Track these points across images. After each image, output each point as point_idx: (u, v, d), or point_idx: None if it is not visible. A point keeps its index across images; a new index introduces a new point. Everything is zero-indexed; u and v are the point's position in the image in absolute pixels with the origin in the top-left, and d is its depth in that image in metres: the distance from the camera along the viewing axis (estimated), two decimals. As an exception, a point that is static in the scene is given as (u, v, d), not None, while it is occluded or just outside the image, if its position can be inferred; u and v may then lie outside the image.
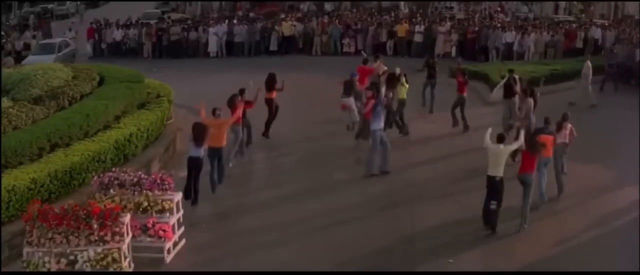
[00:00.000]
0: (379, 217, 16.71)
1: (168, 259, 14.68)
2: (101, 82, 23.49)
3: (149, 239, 14.67)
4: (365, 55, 27.58)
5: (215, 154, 18.36)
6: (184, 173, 17.99)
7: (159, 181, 15.53)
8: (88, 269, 13.26)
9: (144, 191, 15.19)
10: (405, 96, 23.03)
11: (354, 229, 16.02)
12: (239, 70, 23.85)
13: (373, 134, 19.30)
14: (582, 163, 19.33)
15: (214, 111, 18.70)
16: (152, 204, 14.95)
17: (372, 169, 19.43)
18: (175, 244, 15.21)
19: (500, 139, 15.31)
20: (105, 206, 13.81)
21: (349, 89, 23.09)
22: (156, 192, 15.34)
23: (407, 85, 23.03)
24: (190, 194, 17.63)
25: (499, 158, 14.99)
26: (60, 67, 23.41)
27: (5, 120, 18.02)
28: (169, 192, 15.54)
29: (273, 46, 40.80)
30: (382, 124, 19.45)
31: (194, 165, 17.55)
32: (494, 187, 15.05)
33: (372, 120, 19.27)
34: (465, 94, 22.94)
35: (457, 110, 23.30)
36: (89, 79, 23.05)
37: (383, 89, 20.27)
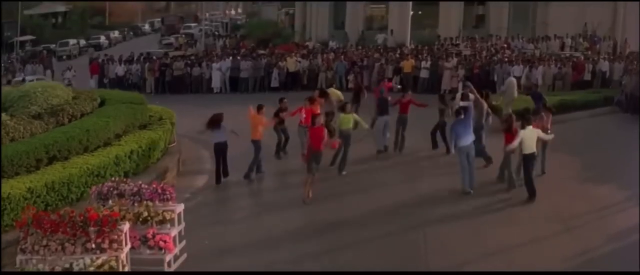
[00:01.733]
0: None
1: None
2: (102, 104, 22.96)
3: (148, 251, 13.93)
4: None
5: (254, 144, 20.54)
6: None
7: (159, 191, 14.87)
8: (84, 277, 12.54)
9: (144, 201, 14.54)
10: None
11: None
12: (242, 105, 23.51)
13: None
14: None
15: (258, 108, 20.87)
16: (152, 214, 14.31)
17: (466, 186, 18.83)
18: (176, 258, 14.51)
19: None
20: (103, 213, 13.16)
21: (385, 106, 23.00)
22: (157, 202, 14.69)
23: None
24: (220, 178, 20.56)
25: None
26: (60, 87, 22.93)
27: (3, 132, 17.54)
28: (170, 202, 14.90)
29: (274, 82, 40.29)
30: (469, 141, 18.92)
31: (218, 149, 20.39)
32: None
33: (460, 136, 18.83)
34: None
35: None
36: (89, 99, 22.57)
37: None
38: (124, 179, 15.49)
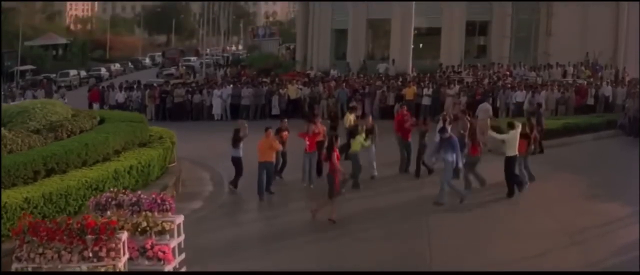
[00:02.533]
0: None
1: (168, 281, 13.60)
2: (102, 123, 22.73)
3: (147, 262, 13.54)
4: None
5: (262, 166, 20.87)
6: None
7: (159, 201, 14.52)
8: (80, 286, 12.19)
9: (143, 212, 14.21)
10: None
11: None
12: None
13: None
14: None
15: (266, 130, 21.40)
16: (151, 225, 13.94)
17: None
18: (175, 270, 14.14)
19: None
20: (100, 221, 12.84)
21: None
22: (156, 213, 14.35)
23: None
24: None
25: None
26: (60, 104, 22.81)
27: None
28: (169, 213, 14.56)
29: (275, 110, 40.04)
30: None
31: (235, 163, 21.76)
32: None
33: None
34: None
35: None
36: (89, 117, 22.43)
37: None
38: (123, 190, 15.18)
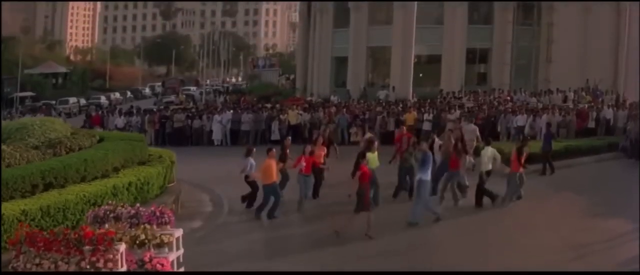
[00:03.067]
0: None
1: (166, 298, 13.33)
2: (101, 142, 22.57)
3: (145, 275, 13.32)
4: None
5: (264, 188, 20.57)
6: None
7: (158, 214, 14.35)
8: (77, 297, 11.96)
9: (142, 225, 14.01)
10: None
11: None
12: (242, 155, 23.54)
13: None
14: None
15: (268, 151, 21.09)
16: (149, 237, 13.74)
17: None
18: (174, 272, 13.93)
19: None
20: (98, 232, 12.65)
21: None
22: (155, 226, 14.16)
23: None
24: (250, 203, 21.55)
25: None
26: (59, 122, 22.71)
27: (-1, 158, 17.13)
28: (168, 227, 14.37)
29: (275, 135, 39.84)
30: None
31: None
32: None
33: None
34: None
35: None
36: (88, 136, 22.25)
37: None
38: (121, 204, 15.00)
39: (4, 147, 18.42)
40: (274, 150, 21.30)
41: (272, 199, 20.43)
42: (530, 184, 22.46)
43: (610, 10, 54.37)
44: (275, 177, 20.68)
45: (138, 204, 14.79)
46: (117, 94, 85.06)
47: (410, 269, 15.16)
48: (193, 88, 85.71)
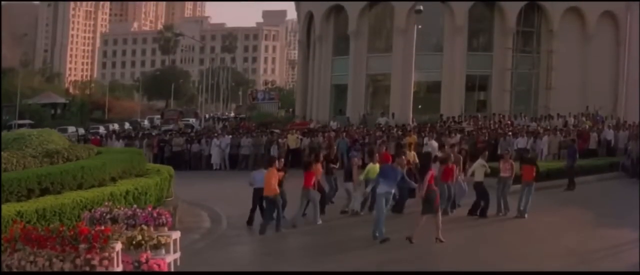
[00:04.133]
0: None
1: (162, 300, 13.02)
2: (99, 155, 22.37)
3: (141, 276, 13.03)
4: None
5: (265, 200, 20.29)
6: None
7: (155, 215, 14.13)
8: (72, 294, 11.66)
9: (139, 226, 13.77)
10: None
11: None
12: (241, 179, 23.37)
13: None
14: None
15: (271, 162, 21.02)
16: (146, 238, 13.48)
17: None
18: (173, 272, 13.67)
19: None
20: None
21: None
22: (152, 228, 13.92)
23: None
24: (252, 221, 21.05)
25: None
26: (56, 134, 22.47)
27: (-6, 163, 16.91)
28: (166, 228, 14.13)
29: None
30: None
31: (255, 195, 21.03)
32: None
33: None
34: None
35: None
36: (86, 149, 22.06)
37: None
38: (118, 206, 14.79)
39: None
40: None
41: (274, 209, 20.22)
42: (539, 198, 22.46)
43: (610, 38, 54.72)
44: (275, 190, 20.18)
45: (135, 206, 14.59)
46: (116, 125, 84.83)
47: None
48: (192, 119, 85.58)
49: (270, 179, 20.11)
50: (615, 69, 54.32)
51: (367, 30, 57.07)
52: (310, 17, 62.53)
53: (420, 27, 49.40)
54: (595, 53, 53.51)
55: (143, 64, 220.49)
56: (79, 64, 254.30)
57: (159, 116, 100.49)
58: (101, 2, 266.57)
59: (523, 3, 53.20)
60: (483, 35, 56.86)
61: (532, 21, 54.74)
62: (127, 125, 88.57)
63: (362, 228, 19.86)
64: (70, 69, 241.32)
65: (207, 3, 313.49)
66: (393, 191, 19.38)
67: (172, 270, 13.82)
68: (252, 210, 21.19)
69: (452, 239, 17.98)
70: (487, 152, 23.56)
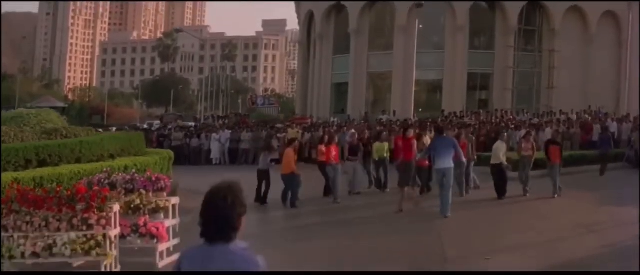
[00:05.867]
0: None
1: (161, 264, 12.67)
2: (97, 137, 22.14)
3: (139, 241, 12.70)
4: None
5: (283, 178, 20.87)
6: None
7: (154, 179, 13.85)
8: (67, 253, 11.35)
9: (137, 191, 13.49)
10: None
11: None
12: (241, 173, 23.12)
13: None
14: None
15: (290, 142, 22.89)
16: (144, 203, 13.21)
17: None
18: (169, 253, 13.29)
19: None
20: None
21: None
22: (150, 194, 13.65)
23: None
24: (259, 199, 21.21)
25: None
26: (56, 114, 22.26)
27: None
28: (164, 193, 13.85)
29: (275, 154, 38.97)
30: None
31: (260, 175, 21.57)
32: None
33: None
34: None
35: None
36: (86, 130, 21.80)
37: None
38: (117, 172, 14.51)
39: (-2, 127, 18.04)
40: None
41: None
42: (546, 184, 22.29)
43: (612, 38, 54.54)
44: (294, 167, 20.93)
45: (133, 171, 14.30)
46: (114, 129, 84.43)
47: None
48: (191, 123, 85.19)
49: (288, 159, 20.99)
50: (617, 69, 54.05)
51: (368, 29, 56.85)
52: (310, 16, 62.31)
53: (421, 27, 49.25)
54: (597, 52, 53.32)
55: (142, 73, 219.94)
56: (78, 72, 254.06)
57: (158, 121, 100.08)
58: (100, 11, 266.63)
59: (524, 2, 52.93)
60: (484, 34, 56.72)
61: (534, 20, 54.62)
62: (127, 129, 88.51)
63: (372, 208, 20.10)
64: (69, 77, 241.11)
65: (207, 12, 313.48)
66: (452, 165, 18.51)
67: (171, 237, 13.49)
68: (257, 189, 21.40)
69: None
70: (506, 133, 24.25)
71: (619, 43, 54.90)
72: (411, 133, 20.05)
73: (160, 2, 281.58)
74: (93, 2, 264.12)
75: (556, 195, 21.01)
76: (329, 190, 22.15)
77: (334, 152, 22.08)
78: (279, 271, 13.17)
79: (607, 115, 41.64)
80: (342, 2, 57.26)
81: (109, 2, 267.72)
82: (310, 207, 20.84)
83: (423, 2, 44.52)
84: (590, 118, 38.82)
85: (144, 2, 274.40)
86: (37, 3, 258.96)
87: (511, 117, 43.14)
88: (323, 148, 22.31)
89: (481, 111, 46.84)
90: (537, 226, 16.81)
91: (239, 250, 4.61)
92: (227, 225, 4.61)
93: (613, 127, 35.48)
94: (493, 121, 41.28)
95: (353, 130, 26.62)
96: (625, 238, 14.94)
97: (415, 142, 20.21)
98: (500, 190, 21.03)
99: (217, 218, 4.62)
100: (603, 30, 54.24)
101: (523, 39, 54.17)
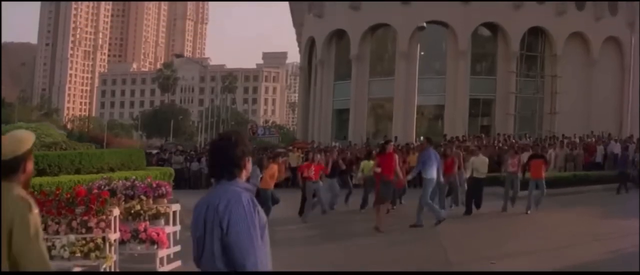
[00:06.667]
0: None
1: (161, 270, 12.38)
2: (97, 154, 21.89)
3: (139, 247, 12.40)
4: None
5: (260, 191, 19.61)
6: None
7: (154, 186, 13.56)
8: (66, 256, 11.02)
9: (138, 197, 13.20)
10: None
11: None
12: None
13: None
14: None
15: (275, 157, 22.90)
16: (145, 209, 12.92)
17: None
18: (169, 259, 12.98)
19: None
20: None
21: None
22: (151, 201, 13.36)
23: None
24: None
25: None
26: (55, 129, 22.12)
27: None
28: (165, 200, 13.56)
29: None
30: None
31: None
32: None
33: None
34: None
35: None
36: (85, 145, 21.54)
37: None
38: (116, 180, 14.21)
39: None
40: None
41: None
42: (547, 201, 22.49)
43: (615, 64, 54.57)
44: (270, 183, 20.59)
45: (134, 177, 14.01)
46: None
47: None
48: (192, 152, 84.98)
49: (270, 172, 20.71)
50: (619, 94, 53.98)
51: (369, 55, 56.71)
52: (312, 43, 62.21)
53: (422, 53, 49.15)
54: (600, 78, 53.29)
55: (142, 104, 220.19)
56: (77, 103, 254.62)
57: (156, 151, 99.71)
58: (100, 42, 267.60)
59: (526, 27, 52.85)
60: (486, 59, 56.57)
61: (536, 45, 54.48)
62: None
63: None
64: (68, 108, 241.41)
65: (207, 44, 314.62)
66: (435, 177, 18.75)
67: (172, 244, 13.19)
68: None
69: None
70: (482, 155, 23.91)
71: (621, 68, 54.99)
72: (389, 148, 19.26)
73: (160, 34, 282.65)
74: (92, 34, 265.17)
75: (528, 211, 21.12)
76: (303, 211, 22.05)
77: (313, 169, 21.94)
78: (279, 271, 12.95)
79: (611, 136, 41.55)
80: (343, 28, 57.22)
81: (108, 33, 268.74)
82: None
83: (425, 25, 44.22)
84: (593, 140, 38.65)
85: (144, 34, 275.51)
86: (36, 33, 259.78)
87: (513, 141, 42.85)
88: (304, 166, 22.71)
89: (483, 135, 46.63)
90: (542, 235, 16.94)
91: (236, 185, 4.78)
92: (231, 163, 4.80)
93: (616, 148, 35.34)
94: (495, 145, 41.02)
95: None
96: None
97: (395, 157, 19.38)
98: (477, 204, 21.53)
99: (221, 157, 4.84)
100: (605, 56, 54.32)
101: (525, 64, 54.02)
